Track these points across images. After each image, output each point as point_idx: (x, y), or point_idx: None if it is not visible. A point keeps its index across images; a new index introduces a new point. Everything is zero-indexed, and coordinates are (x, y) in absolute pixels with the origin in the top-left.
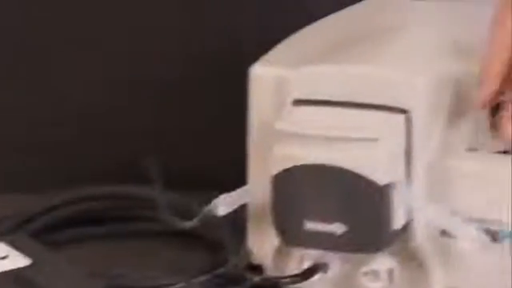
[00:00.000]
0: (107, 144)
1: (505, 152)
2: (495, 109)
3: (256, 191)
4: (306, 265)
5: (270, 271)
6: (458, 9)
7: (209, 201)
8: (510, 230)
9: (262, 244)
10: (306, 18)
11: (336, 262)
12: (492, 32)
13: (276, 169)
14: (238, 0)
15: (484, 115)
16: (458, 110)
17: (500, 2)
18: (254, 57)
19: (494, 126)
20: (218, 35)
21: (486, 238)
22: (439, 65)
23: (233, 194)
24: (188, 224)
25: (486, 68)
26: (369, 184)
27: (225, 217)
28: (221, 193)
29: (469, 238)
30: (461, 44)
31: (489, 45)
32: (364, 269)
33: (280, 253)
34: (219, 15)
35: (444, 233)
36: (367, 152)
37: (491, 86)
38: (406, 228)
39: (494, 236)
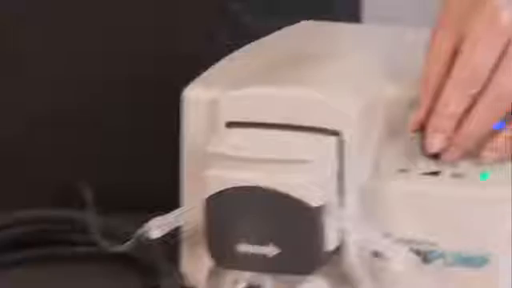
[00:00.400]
0: (40, 168)
1: (436, 173)
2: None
3: (189, 214)
4: (240, 287)
5: None
6: (393, 33)
7: (143, 224)
8: (440, 250)
9: (196, 266)
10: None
11: (269, 284)
12: (426, 58)
13: (209, 191)
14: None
15: (415, 136)
16: (389, 131)
17: (432, 28)
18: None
19: (424, 148)
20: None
21: (417, 259)
22: (371, 88)
23: (166, 216)
24: (121, 247)
25: (421, 91)
26: (301, 206)
27: (158, 239)
28: (155, 216)
29: (400, 259)
30: (394, 68)
31: (423, 70)
32: None
33: (214, 275)
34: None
35: (376, 254)
36: (300, 174)
37: (426, 109)
38: (338, 249)
39: (426, 257)
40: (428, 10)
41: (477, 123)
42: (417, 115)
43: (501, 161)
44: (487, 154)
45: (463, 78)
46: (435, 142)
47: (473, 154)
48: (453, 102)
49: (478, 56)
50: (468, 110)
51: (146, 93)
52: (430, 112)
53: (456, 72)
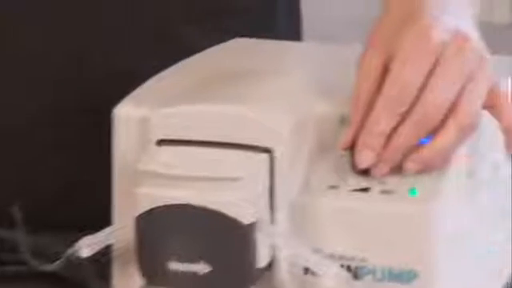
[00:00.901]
0: None
1: (365, 189)
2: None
3: (120, 232)
4: None
5: None
6: (328, 51)
7: (73, 243)
8: (370, 266)
9: (127, 285)
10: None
11: None
12: (357, 76)
13: (140, 209)
14: None
15: (346, 153)
16: (320, 148)
17: (364, 47)
18: None
19: (354, 164)
20: None
21: (347, 275)
22: (302, 105)
23: (97, 235)
24: (51, 266)
25: (351, 109)
26: (233, 223)
27: (89, 258)
28: (86, 234)
29: (331, 276)
30: (327, 85)
31: (354, 88)
32: None
33: None
34: None
35: (307, 270)
36: (231, 191)
37: (356, 127)
38: (269, 266)
39: (356, 273)
40: (365, 28)
41: (404, 139)
42: (347, 133)
43: (423, 172)
44: (410, 165)
45: (393, 96)
46: (365, 159)
47: (400, 168)
48: (382, 120)
49: (407, 75)
50: (396, 127)
51: (72, 112)
52: (360, 129)
53: (386, 90)
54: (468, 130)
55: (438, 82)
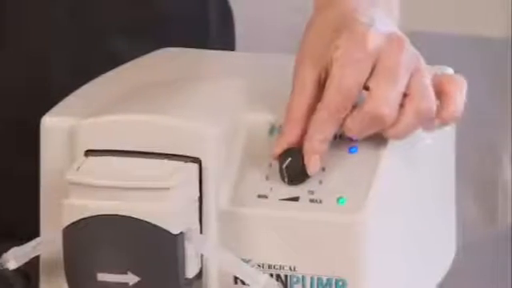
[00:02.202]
0: None
1: (295, 198)
2: (284, 157)
3: (48, 243)
4: None
5: None
6: (258, 60)
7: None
8: (300, 275)
9: None
10: None
11: None
12: (292, 89)
13: (67, 220)
14: None
15: (275, 162)
16: (250, 157)
17: (296, 57)
18: None
19: (283, 173)
20: None
21: (277, 285)
22: (232, 113)
23: (24, 246)
24: None
25: (285, 121)
26: (161, 233)
27: (16, 270)
28: (13, 246)
29: (260, 285)
30: (258, 93)
31: (290, 101)
32: None
33: None
34: None
35: (237, 280)
36: (160, 202)
37: (290, 139)
38: (199, 276)
39: (286, 282)
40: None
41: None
42: (280, 143)
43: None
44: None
45: (336, 102)
46: (315, 164)
47: (331, 176)
48: (327, 127)
49: (348, 80)
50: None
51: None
52: (293, 141)
53: (328, 98)
54: (427, 113)
55: (380, 80)
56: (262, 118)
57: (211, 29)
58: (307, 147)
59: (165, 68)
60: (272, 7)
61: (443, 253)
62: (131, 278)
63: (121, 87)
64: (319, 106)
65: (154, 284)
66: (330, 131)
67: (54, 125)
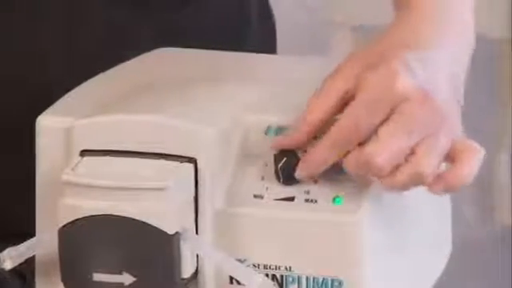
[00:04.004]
0: None
1: (290, 198)
2: (279, 157)
3: (44, 243)
4: None
5: None
6: (263, 61)
7: None
8: (295, 275)
9: None
10: None
11: None
12: (318, 90)
13: (63, 221)
14: None
15: (271, 162)
16: (246, 157)
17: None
18: None
19: (278, 173)
20: None
21: (273, 285)
22: (228, 115)
23: (20, 246)
24: None
25: (300, 121)
26: (157, 233)
27: (12, 270)
28: (8, 246)
29: (256, 285)
30: (255, 95)
31: (310, 102)
32: None
33: None
34: None
35: (233, 280)
36: (155, 202)
37: (296, 140)
38: (195, 276)
39: (281, 282)
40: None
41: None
42: (284, 138)
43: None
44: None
45: (343, 135)
46: (302, 178)
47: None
48: (328, 153)
49: (361, 118)
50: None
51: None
52: (303, 139)
53: (337, 127)
54: (420, 179)
55: (389, 129)
56: (258, 119)
57: (250, 30)
58: (304, 165)
59: (161, 68)
60: (276, 3)
61: (439, 253)
62: (127, 278)
63: (117, 87)
64: (330, 130)
65: (149, 284)
66: (329, 159)
67: (50, 124)
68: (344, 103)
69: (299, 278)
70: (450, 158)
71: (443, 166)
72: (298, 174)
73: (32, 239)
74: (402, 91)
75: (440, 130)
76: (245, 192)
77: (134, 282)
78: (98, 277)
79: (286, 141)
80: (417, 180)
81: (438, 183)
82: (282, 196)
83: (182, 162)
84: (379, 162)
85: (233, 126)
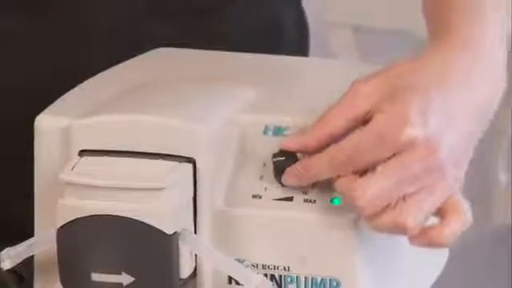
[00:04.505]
0: None
1: (289, 198)
2: (279, 154)
3: (43, 243)
4: None
5: None
6: (261, 61)
7: None
8: (294, 275)
9: None
10: None
11: None
12: (341, 99)
13: (61, 221)
14: None
15: (269, 162)
16: (244, 157)
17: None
18: None
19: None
20: None
21: (271, 285)
22: (227, 115)
23: (18, 246)
24: None
25: (314, 126)
26: (156, 233)
27: (11, 270)
28: (7, 246)
29: (254, 285)
30: (254, 95)
31: (329, 110)
32: None
33: None
34: None
35: (231, 280)
36: (154, 202)
37: (310, 140)
38: (193, 276)
39: (280, 282)
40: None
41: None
42: (298, 139)
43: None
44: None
45: (339, 160)
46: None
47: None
48: (322, 169)
49: (363, 152)
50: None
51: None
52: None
53: (338, 148)
54: (400, 229)
55: (382, 171)
56: (257, 118)
57: (285, 38)
58: (294, 172)
59: (159, 68)
60: None
61: (437, 253)
62: (125, 278)
63: (116, 87)
64: (330, 147)
65: (148, 284)
66: (321, 175)
67: (49, 124)
68: (362, 121)
69: (297, 278)
70: (439, 213)
71: (432, 219)
72: (285, 179)
73: (31, 239)
74: (407, 139)
75: (436, 186)
76: (243, 192)
77: (133, 282)
78: (97, 277)
79: (295, 144)
80: (398, 230)
81: (420, 238)
82: (281, 196)
83: (180, 162)
84: (358, 202)
85: (231, 126)
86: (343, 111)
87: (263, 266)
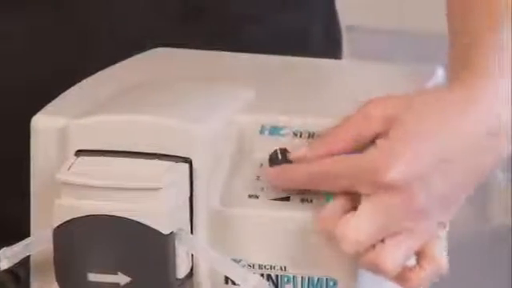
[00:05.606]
0: None
1: (286, 198)
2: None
3: (39, 243)
4: None
5: None
6: (260, 61)
7: None
8: (290, 275)
9: None
10: None
11: None
12: (352, 117)
13: (58, 221)
14: None
15: (266, 162)
16: (241, 157)
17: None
18: None
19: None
20: None
21: (268, 284)
22: (223, 114)
23: (15, 246)
24: None
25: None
26: (152, 234)
27: (7, 270)
28: (4, 246)
29: (251, 285)
30: (251, 95)
31: (338, 127)
32: None
33: None
34: None
35: (228, 280)
36: (150, 202)
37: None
38: (190, 276)
39: (276, 282)
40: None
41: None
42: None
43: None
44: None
45: (327, 176)
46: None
47: None
48: (301, 182)
49: (345, 174)
50: None
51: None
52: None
53: (332, 164)
54: (377, 271)
55: (365, 209)
56: (253, 118)
57: (312, 42)
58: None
59: (156, 68)
60: None
61: None
62: (122, 279)
63: (112, 87)
64: (319, 161)
65: (144, 284)
66: (299, 183)
67: (45, 124)
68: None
69: (294, 278)
70: (418, 255)
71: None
72: (266, 174)
73: (27, 239)
74: (389, 181)
75: (416, 229)
76: (240, 192)
77: (129, 282)
78: (93, 277)
79: (295, 156)
80: (376, 270)
81: (398, 279)
82: (278, 196)
83: (177, 162)
84: (337, 233)
85: (228, 126)
86: (349, 133)
87: (260, 266)
